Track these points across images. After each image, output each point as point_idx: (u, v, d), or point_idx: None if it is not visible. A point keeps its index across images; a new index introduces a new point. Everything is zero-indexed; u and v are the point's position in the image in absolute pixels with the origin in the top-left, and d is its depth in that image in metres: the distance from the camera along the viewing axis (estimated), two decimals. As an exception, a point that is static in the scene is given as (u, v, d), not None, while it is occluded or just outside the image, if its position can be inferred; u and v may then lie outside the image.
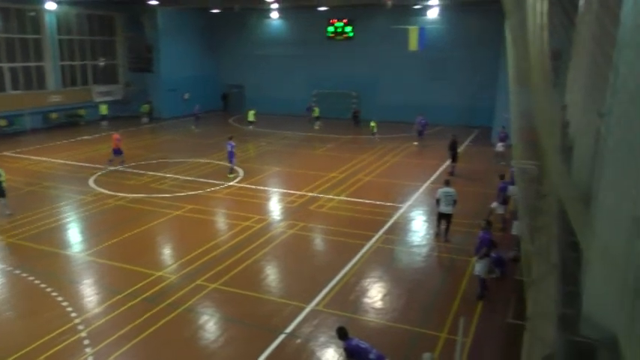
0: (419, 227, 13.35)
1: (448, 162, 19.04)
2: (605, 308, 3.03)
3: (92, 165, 18.46)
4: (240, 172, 18.06)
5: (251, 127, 26.39)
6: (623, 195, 2.91)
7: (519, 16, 5.15)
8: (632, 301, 2.65)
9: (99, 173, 17.56)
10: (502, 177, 13.02)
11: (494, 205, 12.80)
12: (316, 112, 28.62)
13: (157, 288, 9.26)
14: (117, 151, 18.24)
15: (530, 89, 5.29)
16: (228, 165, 17.84)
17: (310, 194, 15.69)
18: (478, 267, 9.43)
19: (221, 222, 13.43)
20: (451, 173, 18.10)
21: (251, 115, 26.68)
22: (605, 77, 3.50)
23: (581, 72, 5.95)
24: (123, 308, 8.63)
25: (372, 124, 24.60)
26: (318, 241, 12.22)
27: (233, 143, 18.03)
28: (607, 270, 2.95)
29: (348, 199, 15.36)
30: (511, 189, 12.18)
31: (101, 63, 28.52)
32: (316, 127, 27.34)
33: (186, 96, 32.11)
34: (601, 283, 3.03)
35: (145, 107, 28.77)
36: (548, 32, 3.77)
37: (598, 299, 3.06)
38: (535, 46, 3.98)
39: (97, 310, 8.51)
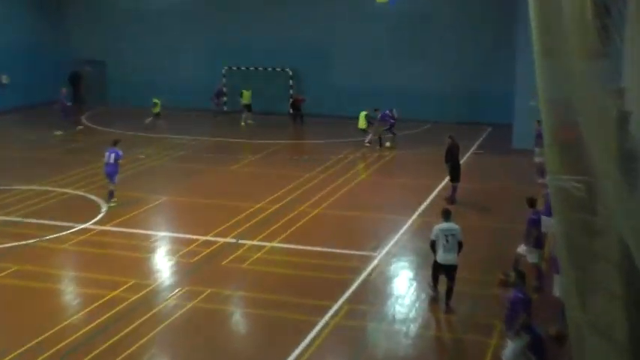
0: (404, 289, 13.86)
1: (445, 181, 19.97)
2: None
3: None
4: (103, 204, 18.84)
5: (148, 120, 28.99)
6: None
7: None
8: None
9: None
10: (532, 203, 13.44)
11: (521, 249, 13.21)
12: (246, 97, 30.89)
13: None
14: None
15: (565, 64, 5.43)
16: (108, 187, 18.85)
17: (222, 240, 16.32)
18: (509, 351, 9.62)
19: (69, 293, 13.84)
20: (451, 199, 19.05)
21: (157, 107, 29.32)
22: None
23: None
24: None
25: (362, 118, 26.45)
26: (237, 321, 12.75)
27: (120, 152, 18.78)
28: None
29: (287, 246, 16.03)
30: (546, 222, 12.61)
31: None
32: (245, 123, 30.26)
33: (4, 79, 32.92)
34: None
35: None
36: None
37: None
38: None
39: None
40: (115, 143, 19.09)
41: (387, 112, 26.07)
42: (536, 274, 13.13)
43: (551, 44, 6.98)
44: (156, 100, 29.49)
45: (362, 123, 26.64)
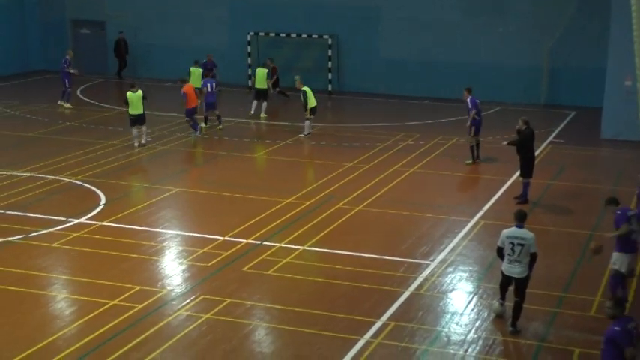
0: (461, 305, 13.81)
1: (516, 176, 19.97)
2: None
3: None
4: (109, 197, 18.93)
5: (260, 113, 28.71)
6: None
7: None
8: None
9: None
10: (612, 202, 13.38)
11: (615, 258, 13.06)
12: (259, 78, 28.77)
13: None
14: None
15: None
16: (213, 114, 26.67)
17: (244, 241, 16.41)
18: None
19: (60, 301, 13.82)
20: (522, 198, 18.96)
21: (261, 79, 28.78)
22: None
23: None
24: None
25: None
26: (261, 337, 12.70)
27: (215, 80, 27.43)
28: None
29: (321, 249, 16.18)
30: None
31: None
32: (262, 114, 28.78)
33: None
34: None
35: None
36: None
37: None
38: None
39: None
40: (208, 73, 27.73)
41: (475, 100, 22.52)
42: (621, 284, 13.06)
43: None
44: (196, 69, 29.55)
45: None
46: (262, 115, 28.52)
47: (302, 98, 25.28)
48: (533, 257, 12.39)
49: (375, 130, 27.25)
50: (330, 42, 33.05)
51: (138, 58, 36.20)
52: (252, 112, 28.76)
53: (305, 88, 25.36)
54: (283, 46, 33.98)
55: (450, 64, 31.33)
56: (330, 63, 33.24)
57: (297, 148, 24.91)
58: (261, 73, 28.84)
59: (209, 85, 25.78)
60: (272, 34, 33.83)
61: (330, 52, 33.17)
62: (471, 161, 22.35)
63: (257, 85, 28.99)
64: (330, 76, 33.05)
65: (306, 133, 25.65)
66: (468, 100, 22.20)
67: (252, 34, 34.02)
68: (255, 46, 34.15)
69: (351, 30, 33.14)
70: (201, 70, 29.51)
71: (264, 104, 28.63)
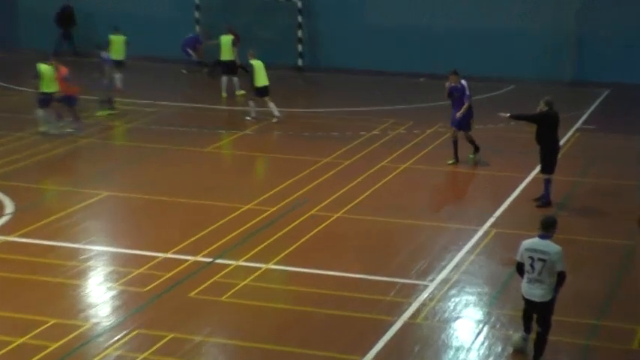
0: (468, 337, 13.66)
1: (536, 171, 20.17)
2: None
3: None
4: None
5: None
6: None
7: None
8: None
9: None
10: None
11: None
12: (225, 48, 29.80)
13: None
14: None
15: None
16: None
17: (191, 259, 16.30)
18: None
19: None
20: (544, 200, 18.96)
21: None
22: None
23: None
24: None
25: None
26: None
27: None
28: None
29: (290, 268, 16.09)
30: None
31: None
32: (228, 94, 29.37)
33: None
34: None
35: None
36: None
37: None
38: None
39: None
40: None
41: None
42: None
43: None
44: (117, 37, 29.69)
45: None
46: (239, 92, 29.03)
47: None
48: (560, 277, 12.30)
49: (358, 115, 27.25)
50: (299, 5, 32.90)
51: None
52: (223, 93, 29.10)
53: (254, 61, 25.82)
54: (240, 11, 33.81)
55: (452, 32, 31.31)
56: (299, 32, 33.13)
57: (259, 139, 24.97)
58: (227, 41, 29.24)
59: None
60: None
61: (299, 19, 33.01)
62: (453, 160, 22.33)
63: (223, 57, 29.38)
64: (300, 48, 33.06)
65: (250, 117, 26.18)
66: (461, 84, 21.98)
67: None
68: (205, 12, 34.05)
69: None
70: (123, 37, 29.85)
71: (236, 79, 29.11)
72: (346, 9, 32.86)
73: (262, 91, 25.74)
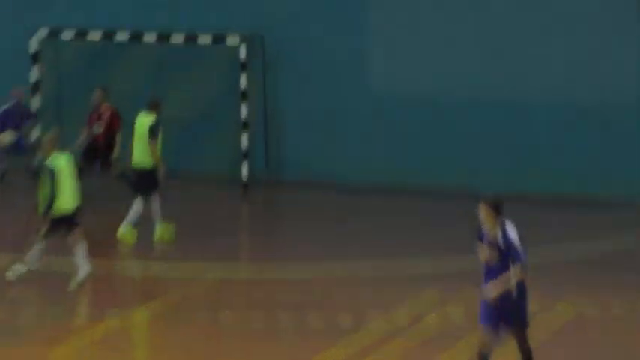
0: None
1: None
2: None
3: None
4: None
5: None
6: None
7: None
8: None
9: None
10: None
11: None
12: (142, 137, 24.27)
13: None
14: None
15: None
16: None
17: None
18: None
19: None
20: None
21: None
22: None
23: None
24: None
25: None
26: None
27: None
28: None
29: None
30: None
31: None
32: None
33: None
34: None
35: None
36: None
37: None
38: None
39: None
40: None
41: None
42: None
43: None
44: None
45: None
46: (159, 235, 21.59)
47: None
48: None
49: (358, 282, 19.46)
50: (242, 52, 25.43)
51: None
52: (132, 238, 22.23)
53: (56, 159, 19.33)
54: (121, 61, 27.28)
55: (462, 100, 25.57)
56: (243, 107, 25.18)
57: (152, 330, 17.40)
58: (143, 125, 22.26)
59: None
60: (95, 34, 26.64)
61: (243, 77, 25.26)
62: None
63: (136, 163, 22.95)
64: (244, 141, 25.44)
65: (27, 267, 19.11)
66: (500, 233, 16.22)
67: (45, 32, 27.09)
68: (53, 61, 27.64)
69: (296, 24, 26.47)
70: None
71: (156, 204, 21.98)
72: (336, 62, 25.37)
73: (56, 223, 18.85)
